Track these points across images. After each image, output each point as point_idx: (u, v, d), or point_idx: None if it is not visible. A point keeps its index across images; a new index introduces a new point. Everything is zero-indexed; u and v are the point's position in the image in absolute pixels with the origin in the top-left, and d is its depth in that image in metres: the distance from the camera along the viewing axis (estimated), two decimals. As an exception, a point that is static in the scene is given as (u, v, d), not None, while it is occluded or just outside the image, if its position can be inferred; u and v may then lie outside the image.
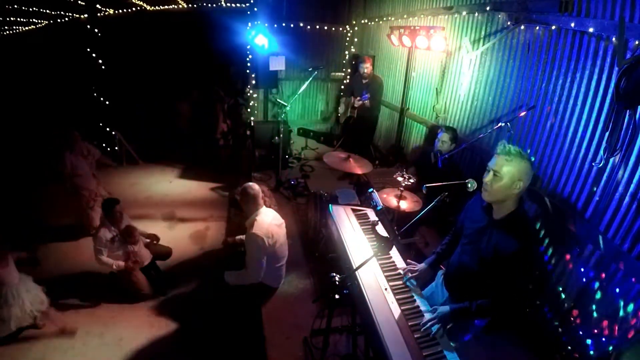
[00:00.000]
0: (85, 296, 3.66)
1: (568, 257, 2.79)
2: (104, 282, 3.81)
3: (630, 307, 2.31)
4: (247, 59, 6.57)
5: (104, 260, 3.50)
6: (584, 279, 2.65)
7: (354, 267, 1.99)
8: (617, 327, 2.39)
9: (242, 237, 3.40)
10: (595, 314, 2.55)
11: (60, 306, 3.51)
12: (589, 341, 2.57)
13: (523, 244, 1.73)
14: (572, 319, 2.72)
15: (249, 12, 6.53)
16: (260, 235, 2.80)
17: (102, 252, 3.50)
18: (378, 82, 5.80)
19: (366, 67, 5.52)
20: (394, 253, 2.44)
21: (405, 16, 5.45)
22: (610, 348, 2.40)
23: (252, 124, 5.91)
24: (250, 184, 2.99)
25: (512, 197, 1.80)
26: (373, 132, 6.29)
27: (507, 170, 1.74)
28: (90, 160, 4.73)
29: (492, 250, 1.83)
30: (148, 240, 3.96)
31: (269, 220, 2.94)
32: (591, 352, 2.55)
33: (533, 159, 1.82)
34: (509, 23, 3.42)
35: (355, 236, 2.57)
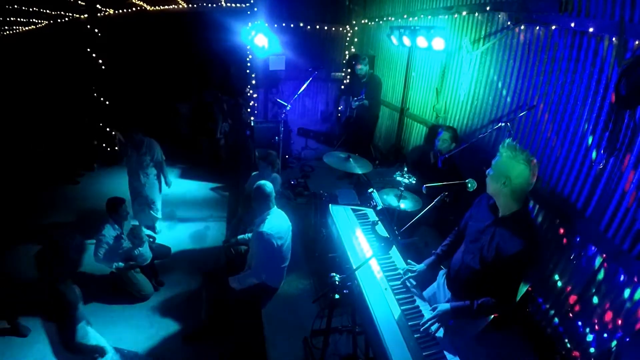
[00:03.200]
0: (86, 296, 3.66)
1: (568, 256, 2.79)
2: (104, 282, 3.81)
3: (630, 306, 2.32)
4: (247, 59, 6.57)
5: (102, 260, 3.48)
6: (584, 278, 2.65)
7: (354, 267, 2.00)
8: (617, 327, 2.39)
9: (245, 236, 3.39)
10: (595, 313, 2.55)
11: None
12: (590, 337, 2.57)
13: (526, 244, 1.74)
14: (572, 318, 2.72)
15: (249, 12, 6.52)
16: (271, 234, 2.80)
17: (103, 249, 3.48)
18: (376, 81, 5.79)
19: (359, 69, 5.55)
20: (394, 253, 2.45)
21: (405, 16, 5.44)
22: (611, 347, 2.41)
23: (252, 124, 5.91)
24: (265, 182, 2.99)
25: (505, 193, 1.82)
26: (373, 132, 6.29)
27: (496, 164, 1.84)
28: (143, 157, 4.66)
29: (494, 249, 1.83)
30: (151, 240, 3.96)
31: (280, 222, 2.95)
32: (591, 351, 2.55)
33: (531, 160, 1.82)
34: (509, 23, 3.42)
35: (355, 236, 2.57)
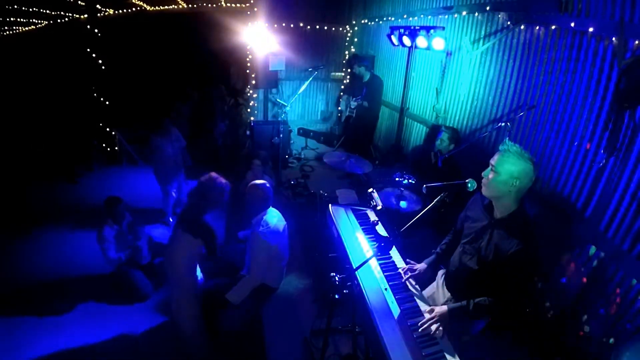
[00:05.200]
0: (85, 296, 3.67)
1: (568, 257, 2.79)
2: (104, 282, 3.81)
3: (630, 306, 2.31)
4: (247, 59, 6.57)
5: (112, 258, 3.55)
6: (584, 278, 2.65)
7: (354, 267, 1.99)
8: (617, 327, 2.39)
9: (244, 233, 3.41)
10: (595, 314, 2.55)
11: (60, 306, 3.52)
12: (589, 338, 2.57)
13: (524, 244, 1.73)
14: (572, 318, 2.72)
15: (248, 12, 6.53)
16: (268, 233, 2.80)
17: (110, 249, 3.55)
18: (377, 82, 5.80)
19: (356, 70, 5.57)
20: (394, 253, 2.44)
21: (405, 16, 5.45)
22: (611, 347, 2.40)
23: (252, 124, 5.91)
24: (261, 181, 2.98)
25: (510, 195, 1.80)
26: (373, 132, 6.29)
27: (504, 167, 1.76)
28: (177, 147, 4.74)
29: (492, 250, 1.83)
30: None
31: (276, 221, 2.95)
32: (591, 352, 2.55)
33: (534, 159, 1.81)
34: (509, 23, 3.42)
35: (355, 236, 2.57)
